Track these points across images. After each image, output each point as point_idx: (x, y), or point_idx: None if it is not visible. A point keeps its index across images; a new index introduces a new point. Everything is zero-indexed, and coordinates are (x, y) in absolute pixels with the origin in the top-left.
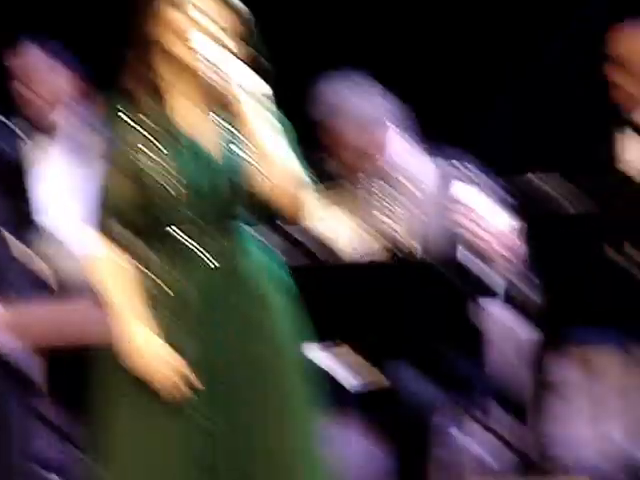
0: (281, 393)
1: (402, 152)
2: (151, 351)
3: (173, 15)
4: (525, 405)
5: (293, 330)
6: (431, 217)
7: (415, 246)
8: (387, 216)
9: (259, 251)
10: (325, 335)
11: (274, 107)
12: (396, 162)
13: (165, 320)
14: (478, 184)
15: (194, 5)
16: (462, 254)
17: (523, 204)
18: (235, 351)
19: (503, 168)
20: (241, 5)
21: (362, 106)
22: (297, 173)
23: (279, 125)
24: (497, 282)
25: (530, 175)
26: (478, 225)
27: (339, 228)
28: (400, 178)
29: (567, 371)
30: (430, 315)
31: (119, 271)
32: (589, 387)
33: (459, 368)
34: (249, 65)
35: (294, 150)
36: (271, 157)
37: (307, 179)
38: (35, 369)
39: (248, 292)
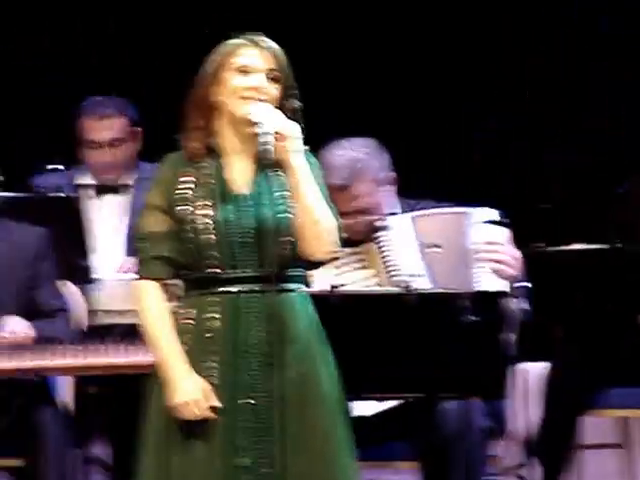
0: (328, 438)
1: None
2: (186, 392)
3: (226, 75)
4: (559, 463)
5: (335, 377)
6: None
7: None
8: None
9: (303, 300)
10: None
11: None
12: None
13: (206, 363)
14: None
15: (244, 64)
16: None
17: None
18: (283, 396)
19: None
20: (279, 50)
21: (375, 167)
22: (331, 222)
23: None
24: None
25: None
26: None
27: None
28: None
29: (601, 432)
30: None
31: (163, 312)
32: (624, 449)
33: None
34: (292, 114)
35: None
36: (310, 209)
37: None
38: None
39: (295, 341)
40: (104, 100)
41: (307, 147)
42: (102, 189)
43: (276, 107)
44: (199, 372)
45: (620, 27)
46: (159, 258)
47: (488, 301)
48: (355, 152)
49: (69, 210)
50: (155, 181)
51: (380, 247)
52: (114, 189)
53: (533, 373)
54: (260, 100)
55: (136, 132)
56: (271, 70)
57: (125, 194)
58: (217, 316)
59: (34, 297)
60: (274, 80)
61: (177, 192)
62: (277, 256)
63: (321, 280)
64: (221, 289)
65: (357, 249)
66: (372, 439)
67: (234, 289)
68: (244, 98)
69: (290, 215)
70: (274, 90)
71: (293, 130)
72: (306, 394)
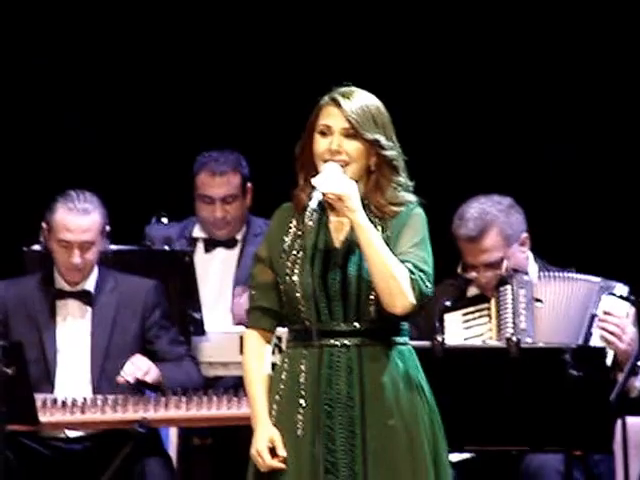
0: None
1: (525, 261)
2: (257, 441)
3: (315, 136)
4: None
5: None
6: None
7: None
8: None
9: (393, 352)
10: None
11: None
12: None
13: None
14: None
15: (323, 125)
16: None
17: None
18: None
19: None
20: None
21: (505, 223)
22: (402, 278)
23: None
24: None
25: None
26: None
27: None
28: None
29: None
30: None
31: (258, 360)
32: None
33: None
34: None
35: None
36: (378, 266)
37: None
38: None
39: (377, 394)
40: (220, 156)
41: (416, 199)
42: (211, 243)
43: (367, 164)
44: (288, 424)
45: None
46: (262, 309)
47: (591, 356)
48: (488, 206)
49: (183, 264)
50: (267, 232)
51: (498, 303)
52: (223, 243)
53: (634, 427)
54: (337, 161)
55: (248, 188)
56: (345, 129)
57: (233, 249)
58: (304, 369)
59: (154, 349)
60: (352, 137)
61: (281, 244)
62: (360, 311)
63: (449, 333)
64: (308, 342)
65: (485, 305)
66: None
67: (318, 343)
68: (325, 161)
69: None
70: (351, 148)
71: (348, 190)
72: (390, 447)
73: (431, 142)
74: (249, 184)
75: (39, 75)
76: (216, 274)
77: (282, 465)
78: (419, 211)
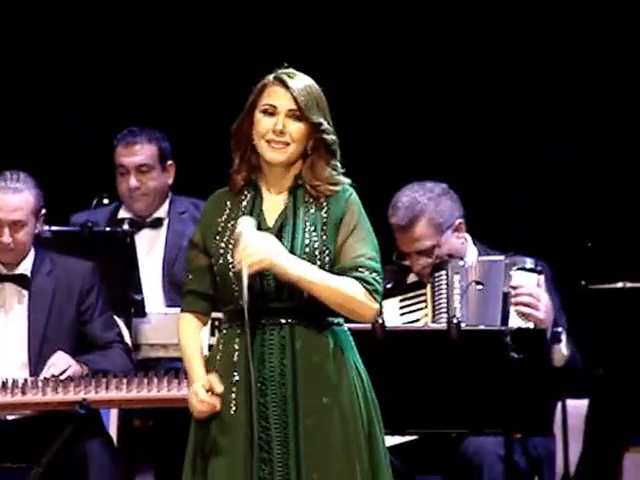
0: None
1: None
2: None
3: (256, 116)
4: None
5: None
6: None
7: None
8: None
9: (326, 333)
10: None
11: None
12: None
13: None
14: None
15: (268, 104)
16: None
17: None
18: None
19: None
20: (306, 87)
21: (436, 211)
22: (358, 293)
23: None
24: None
25: None
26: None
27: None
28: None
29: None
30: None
31: (194, 336)
32: None
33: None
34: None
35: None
36: (332, 298)
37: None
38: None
39: (308, 373)
40: (137, 129)
41: (348, 181)
42: (138, 224)
43: (305, 145)
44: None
45: None
46: (196, 293)
47: (531, 338)
48: (419, 195)
49: (122, 245)
50: (201, 216)
51: (433, 289)
52: (149, 224)
53: (573, 410)
54: (279, 142)
55: (168, 165)
56: (292, 110)
57: (159, 229)
58: (237, 348)
59: (86, 331)
60: (297, 119)
61: (216, 225)
62: (293, 290)
63: (386, 319)
64: (241, 322)
65: (422, 291)
66: (400, 473)
67: (251, 322)
68: (268, 140)
69: (307, 250)
70: (295, 129)
71: (269, 255)
72: (324, 426)
73: (429, 138)
74: (170, 161)
75: (39, 75)
76: (144, 255)
77: (217, 403)
78: (355, 197)
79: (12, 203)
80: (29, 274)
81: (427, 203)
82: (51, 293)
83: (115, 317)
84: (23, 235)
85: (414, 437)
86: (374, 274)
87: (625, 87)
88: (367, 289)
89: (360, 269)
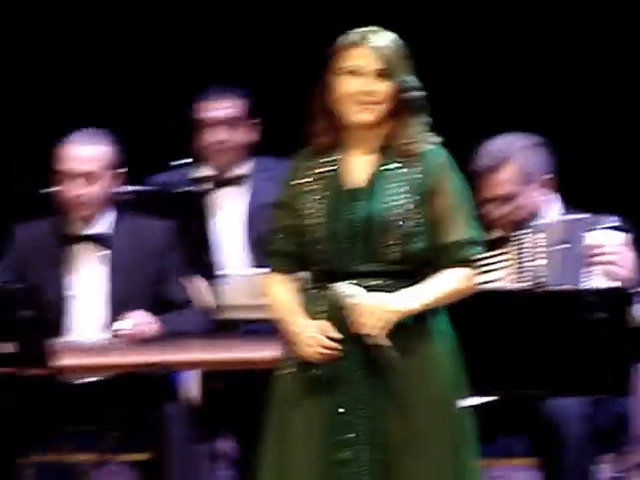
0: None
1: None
2: (305, 335)
3: (338, 79)
4: None
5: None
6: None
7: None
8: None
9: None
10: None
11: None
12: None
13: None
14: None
15: (352, 66)
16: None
17: None
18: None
19: None
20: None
21: (524, 160)
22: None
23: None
24: None
25: None
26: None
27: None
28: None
29: None
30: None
31: (288, 293)
32: None
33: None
34: (411, 106)
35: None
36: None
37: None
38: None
39: (395, 336)
40: (220, 87)
41: (439, 139)
42: (219, 182)
43: (392, 104)
44: (306, 364)
45: None
46: (281, 252)
47: (614, 298)
48: (512, 141)
49: (192, 206)
50: (284, 177)
51: (517, 247)
52: (231, 181)
53: None
54: (369, 102)
55: (253, 121)
56: (378, 70)
57: (241, 186)
58: (323, 311)
59: (163, 291)
60: (383, 78)
61: (299, 187)
62: (383, 252)
63: None
64: (328, 284)
65: (504, 249)
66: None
67: (337, 284)
68: (355, 102)
69: (399, 211)
70: (384, 89)
71: (389, 316)
72: (411, 392)
73: None
74: (255, 119)
75: (39, 75)
76: (225, 213)
77: (339, 346)
78: (448, 159)
79: (85, 154)
80: (108, 233)
81: (519, 149)
82: (130, 253)
83: (197, 278)
84: (96, 188)
85: (494, 397)
86: (474, 247)
87: None
88: (470, 266)
89: (462, 248)
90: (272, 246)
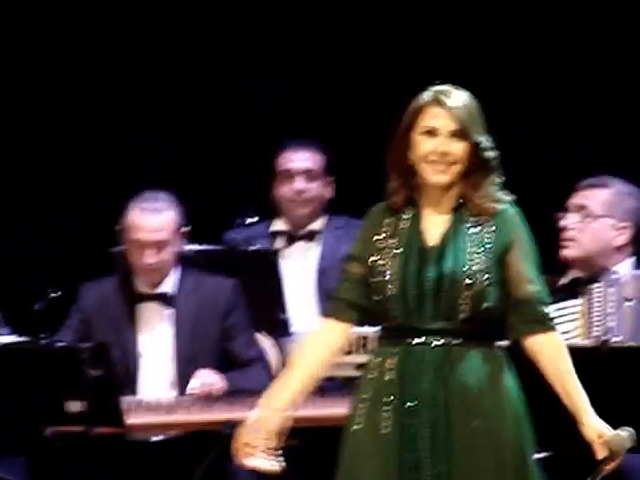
0: None
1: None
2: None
3: (415, 138)
4: None
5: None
6: None
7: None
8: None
9: (481, 354)
10: None
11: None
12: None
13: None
14: None
15: (428, 126)
16: None
17: None
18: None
19: None
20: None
21: (623, 198)
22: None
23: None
24: None
25: None
26: None
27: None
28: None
29: None
30: None
31: (318, 346)
32: None
33: None
34: (486, 166)
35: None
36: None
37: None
38: None
39: (462, 394)
40: (303, 141)
41: (511, 198)
42: (292, 237)
43: (467, 164)
44: (373, 422)
45: None
46: (346, 301)
47: None
48: (613, 180)
49: (266, 263)
50: (358, 231)
51: (588, 301)
52: (304, 237)
53: None
54: (443, 162)
55: (329, 178)
56: (453, 131)
57: (313, 241)
58: (392, 367)
59: (229, 348)
60: (458, 139)
61: (374, 242)
62: (452, 310)
63: None
64: (398, 340)
65: (577, 301)
66: None
67: (408, 341)
68: (430, 162)
69: (471, 271)
70: (459, 149)
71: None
72: (474, 449)
73: None
74: (331, 177)
75: (39, 75)
76: (297, 268)
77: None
78: (521, 217)
79: (153, 224)
80: (174, 292)
81: (618, 186)
82: (195, 311)
83: (264, 335)
84: (166, 254)
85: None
86: (546, 305)
87: None
88: (551, 328)
89: (536, 306)
90: (337, 293)
